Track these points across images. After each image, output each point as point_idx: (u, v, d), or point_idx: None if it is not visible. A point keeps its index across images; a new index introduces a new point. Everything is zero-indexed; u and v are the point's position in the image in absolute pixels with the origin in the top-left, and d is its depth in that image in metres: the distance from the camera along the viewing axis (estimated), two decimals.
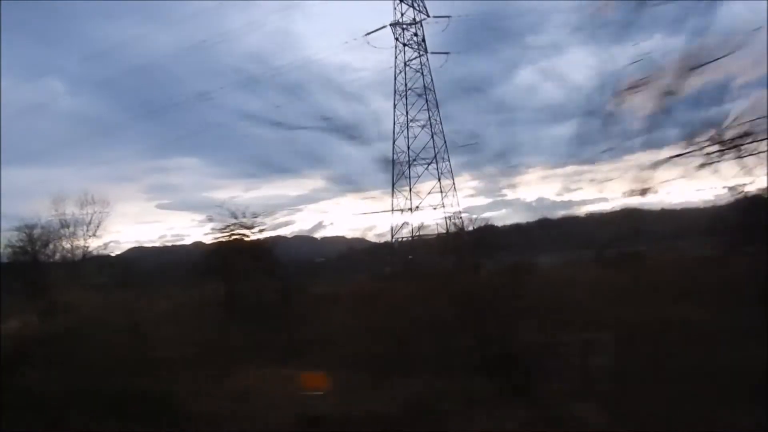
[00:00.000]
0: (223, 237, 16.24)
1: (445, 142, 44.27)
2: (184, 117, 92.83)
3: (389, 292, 15.33)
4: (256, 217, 16.18)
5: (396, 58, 45.40)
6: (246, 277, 15.12)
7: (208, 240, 16.67)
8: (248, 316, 13.24)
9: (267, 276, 14.97)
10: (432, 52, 45.36)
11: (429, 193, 43.67)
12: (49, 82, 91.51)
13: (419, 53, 45.02)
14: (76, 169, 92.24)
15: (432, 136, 43.70)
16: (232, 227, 16.42)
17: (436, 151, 43.65)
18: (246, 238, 16.13)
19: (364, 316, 13.00)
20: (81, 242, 29.04)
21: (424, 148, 43.73)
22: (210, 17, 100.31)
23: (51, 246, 26.35)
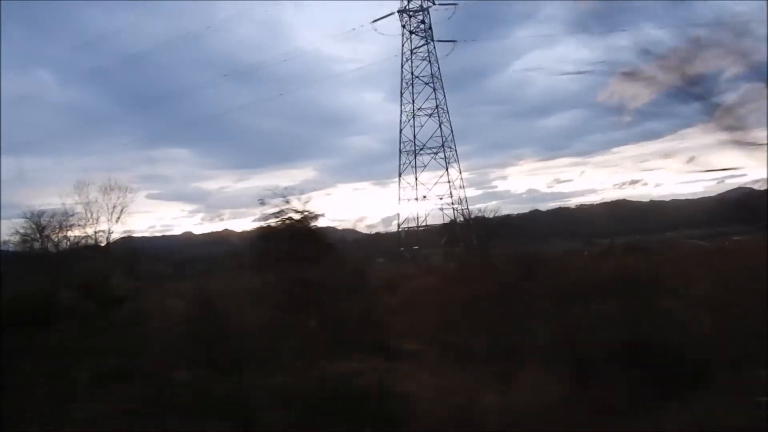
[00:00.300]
0: (277, 222, 15.58)
1: (452, 131, 44.07)
2: (175, 108, 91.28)
3: (457, 280, 14.95)
4: (307, 202, 15.55)
5: (403, 45, 44.86)
6: (310, 263, 14.53)
7: (259, 224, 15.97)
8: (320, 305, 12.65)
9: (333, 263, 14.39)
10: (438, 40, 44.93)
11: (436, 183, 43.39)
12: (39, 73, 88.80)
13: (426, 41, 44.52)
14: (66, 159, 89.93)
15: (440, 125, 43.37)
16: (285, 211, 15.79)
17: (444, 140, 43.35)
18: (303, 223, 15.52)
19: (441, 305, 12.57)
20: (104, 228, 27.95)
21: (431, 137, 43.36)
22: (200, 7, 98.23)
23: (65, 233, 25.23)
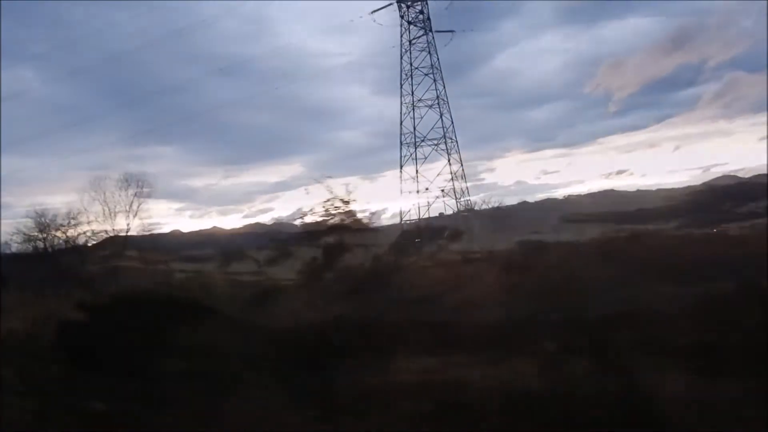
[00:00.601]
0: (325, 215, 15.38)
1: (452, 122, 43.95)
2: (161, 105, 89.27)
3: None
4: (351, 192, 15.39)
5: (402, 36, 44.52)
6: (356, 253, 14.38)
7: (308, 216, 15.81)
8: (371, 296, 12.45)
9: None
10: (437, 31, 44.73)
11: (439, 174, 43.28)
12: (22, 70, 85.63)
13: (425, 31, 44.24)
14: (51, 158, 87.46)
15: (441, 116, 43.21)
16: (330, 203, 15.59)
17: (445, 131, 43.21)
18: (350, 215, 15.36)
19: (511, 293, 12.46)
20: (123, 225, 27.23)
21: (432, 128, 43.20)
22: (186, 4, 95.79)
23: (75, 231, 24.51)
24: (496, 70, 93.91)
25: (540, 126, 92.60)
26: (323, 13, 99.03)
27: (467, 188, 44.80)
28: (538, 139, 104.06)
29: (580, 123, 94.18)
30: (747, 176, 58.89)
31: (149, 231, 30.90)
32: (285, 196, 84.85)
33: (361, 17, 44.95)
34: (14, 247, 25.96)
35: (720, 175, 66.03)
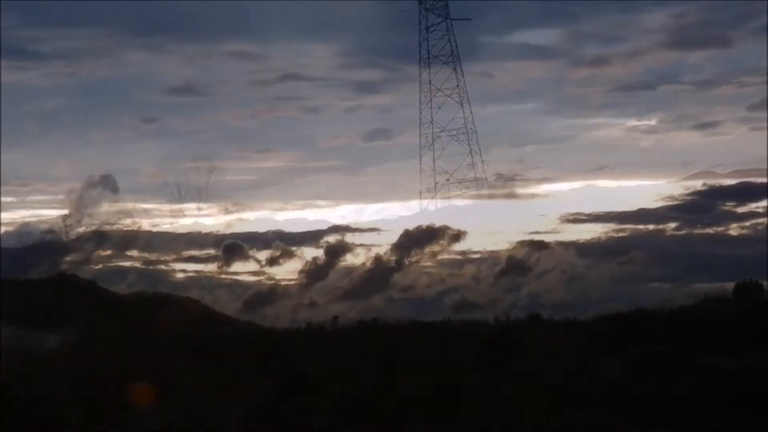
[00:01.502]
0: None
1: (471, 111, 42.96)
2: (144, 100, 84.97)
3: None
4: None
5: (420, 24, 43.27)
6: None
7: None
8: None
9: None
10: (454, 18, 43.73)
11: (461, 164, 42.20)
12: None
13: (444, 17, 43.15)
14: (33, 158, 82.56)
15: (461, 105, 42.18)
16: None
17: (465, 119, 42.18)
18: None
19: None
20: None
21: (453, 118, 42.11)
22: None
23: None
24: (477, 65, 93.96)
25: (521, 121, 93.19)
26: (306, 9, 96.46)
27: (486, 178, 43.95)
28: (520, 135, 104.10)
29: (562, 118, 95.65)
30: (725, 172, 61.63)
31: (134, 228, 28.52)
32: (266, 193, 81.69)
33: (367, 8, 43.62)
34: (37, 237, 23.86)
35: (699, 171, 68.68)
